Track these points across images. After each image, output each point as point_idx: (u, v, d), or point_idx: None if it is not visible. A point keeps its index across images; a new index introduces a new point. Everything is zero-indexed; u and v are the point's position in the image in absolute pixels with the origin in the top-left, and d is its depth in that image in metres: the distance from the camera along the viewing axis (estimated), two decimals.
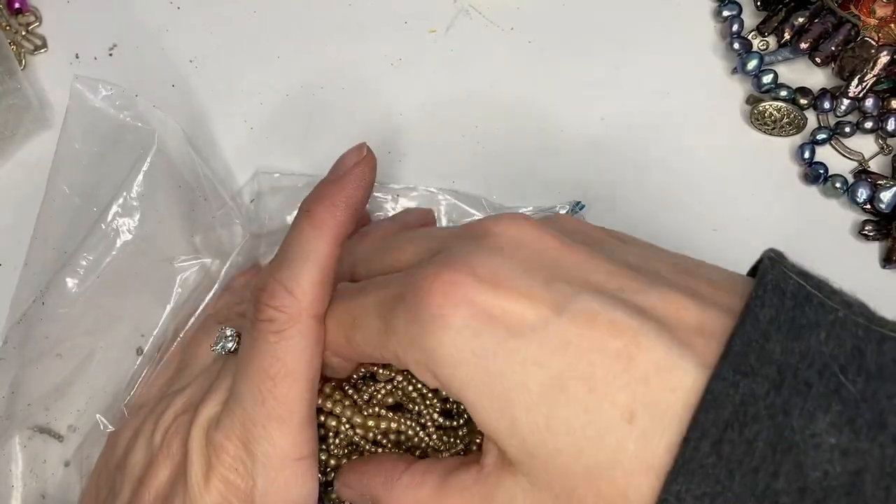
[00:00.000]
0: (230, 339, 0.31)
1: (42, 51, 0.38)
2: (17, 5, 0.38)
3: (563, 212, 0.36)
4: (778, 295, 0.21)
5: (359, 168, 0.29)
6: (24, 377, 0.33)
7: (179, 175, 0.34)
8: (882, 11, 0.36)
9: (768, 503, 0.19)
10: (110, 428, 0.32)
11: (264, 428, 0.27)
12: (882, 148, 0.37)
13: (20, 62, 0.38)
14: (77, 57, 0.38)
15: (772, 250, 0.23)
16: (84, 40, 0.38)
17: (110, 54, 0.38)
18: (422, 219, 0.35)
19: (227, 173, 0.37)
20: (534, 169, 0.37)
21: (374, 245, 0.29)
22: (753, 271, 0.24)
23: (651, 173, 0.37)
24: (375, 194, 0.36)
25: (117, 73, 0.38)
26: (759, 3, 0.38)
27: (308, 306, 0.27)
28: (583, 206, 0.36)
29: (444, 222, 0.36)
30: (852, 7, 0.36)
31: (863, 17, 0.36)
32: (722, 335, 0.21)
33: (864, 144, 0.37)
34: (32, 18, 0.38)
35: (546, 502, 0.22)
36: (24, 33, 0.38)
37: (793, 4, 0.37)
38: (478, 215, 0.36)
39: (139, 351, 0.34)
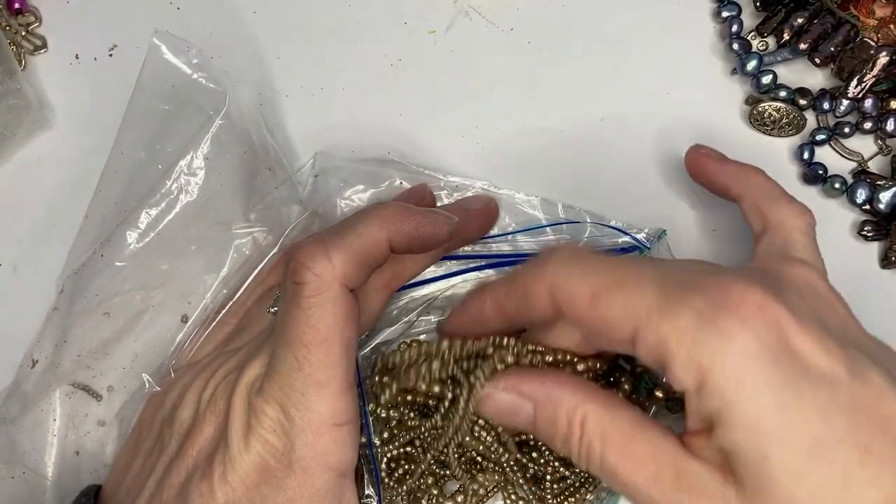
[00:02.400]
0: None
1: (42, 51, 0.38)
2: (17, 6, 0.38)
3: (640, 236, 0.35)
4: None
5: (471, 214, 0.34)
6: (72, 331, 0.33)
7: (247, 141, 0.34)
8: (881, 12, 0.36)
9: None
10: (156, 388, 0.32)
11: (302, 394, 0.27)
12: (881, 148, 0.37)
13: (20, 62, 0.38)
14: (77, 57, 0.38)
15: None
16: (84, 40, 0.38)
17: (110, 54, 0.38)
18: (485, 204, 0.35)
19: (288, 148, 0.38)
20: (533, 167, 0.37)
21: None
22: None
23: (650, 174, 0.37)
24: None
25: (117, 73, 0.38)
26: (758, 4, 0.38)
27: (341, 276, 0.27)
28: (665, 233, 0.35)
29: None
30: (851, 8, 0.36)
31: (862, 18, 0.36)
32: None
33: (864, 145, 0.37)
34: (32, 19, 0.38)
35: None
36: (24, 34, 0.38)
37: (792, 5, 0.37)
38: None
39: (184, 318, 0.33)
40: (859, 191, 0.36)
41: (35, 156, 0.37)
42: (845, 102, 0.36)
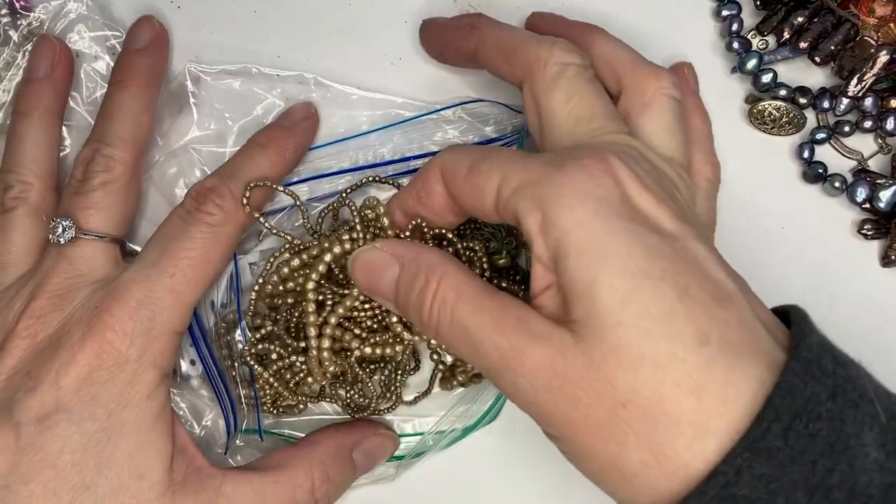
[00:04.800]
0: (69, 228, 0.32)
1: None
2: (17, 5, 0.38)
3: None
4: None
5: (307, 123, 0.37)
6: None
7: None
8: (881, 11, 0.36)
9: (820, 495, 0.21)
10: None
11: (161, 299, 0.30)
12: (881, 147, 0.37)
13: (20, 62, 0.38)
14: (76, 56, 0.38)
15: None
16: (84, 41, 0.38)
17: (112, 54, 0.38)
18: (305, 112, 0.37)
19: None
20: None
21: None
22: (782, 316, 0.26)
23: None
24: None
25: None
26: (758, 3, 0.38)
27: (241, 216, 0.33)
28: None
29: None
30: (852, 6, 0.36)
31: (862, 17, 0.36)
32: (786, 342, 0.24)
33: (864, 143, 0.37)
34: (33, 19, 0.38)
35: (576, 367, 0.23)
36: (24, 33, 0.38)
37: (792, 4, 0.37)
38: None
39: None
40: (859, 189, 0.36)
41: None
42: (845, 101, 0.36)
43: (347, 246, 0.32)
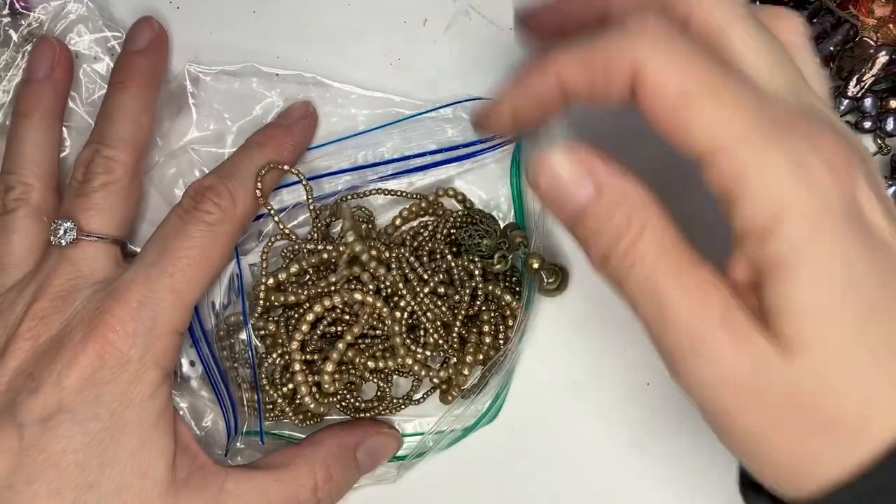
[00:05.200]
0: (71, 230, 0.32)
1: None
2: (18, 5, 0.38)
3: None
4: None
5: (306, 121, 0.37)
6: None
7: None
8: (881, 11, 0.36)
9: None
10: None
11: (162, 299, 0.30)
12: (881, 148, 0.37)
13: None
14: (76, 57, 0.38)
15: None
16: (84, 42, 0.38)
17: (111, 54, 0.38)
18: (305, 110, 0.37)
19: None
20: None
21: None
22: None
23: (650, 175, 0.37)
24: None
25: None
26: (757, 4, 0.38)
27: (240, 214, 0.33)
28: None
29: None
30: (851, 7, 0.36)
31: (861, 17, 0.36)
32: None
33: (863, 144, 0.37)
34: (32, 20, 0.38)
35: (775, 383, 0.21)
36: (24, 34, 0.38)
37: (791, 4, 0.37)
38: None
39: None
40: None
41: None
42: (844, 102, 0.36)
43: (327, 303, 0.33)
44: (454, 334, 0.34)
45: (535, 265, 0.33)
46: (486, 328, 0.34)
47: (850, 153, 0.22)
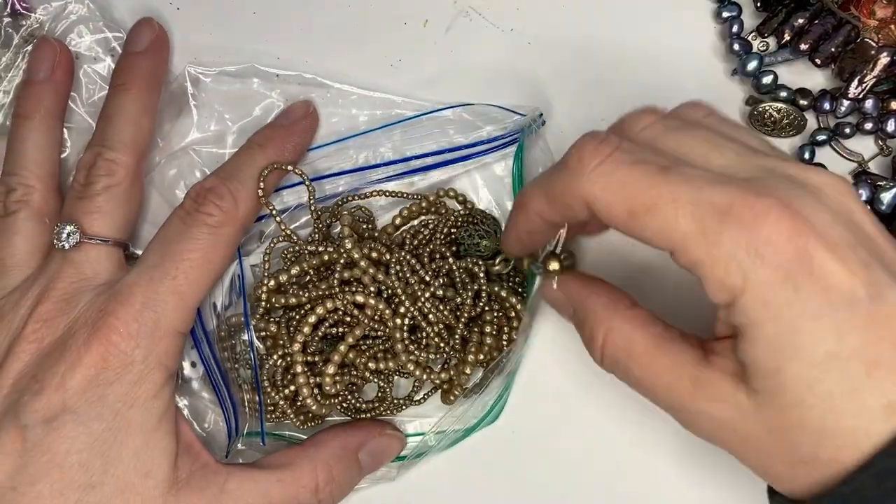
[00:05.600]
0: (74, 233, 0.32)
1: None
2: (17, 6, 0.38)
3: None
4: None
5: (306, 121, 0.37)
6: None
7: None
8: (882, 13, 0.36)
9: None
10: None
11: (164, 301, 0.30)
12: (882, 149, 0.37)
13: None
14: (76, 58, 0.38)
15: None
16: (84, 42, 0.38)
17: (112, 55, 0.38)
18: (304, 110, 0.37)
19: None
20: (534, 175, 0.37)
21: (673, 126, 0.27)
22: None
23: None
24: None
25: None
26: (758, 5, 0.38)
27: (241, 216, 0.33)
28: (544, 122, 0.37)
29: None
30: (852, 8, 0.36)
31: (863, 19, 0.36)
32: None
33: (864, 146, 0.37)
34: (33, 19, 0.38)
35: (755, 427, 0.24)
36: (25, 35, 0.38)
37: (793, 6, 0.37)
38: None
39: None
40: (860, 191, 0.36)
41: None
42: (846, 103, 0.36)
43: (329, 305, 0.33)
44: (456, 335, 0.34)
45: (554, 267, 0.31)
46: (488, 328, 0.34)
47: (793, 219, 0.23)
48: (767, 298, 0.23)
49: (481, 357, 0.34)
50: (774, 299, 0.23)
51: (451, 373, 0.34)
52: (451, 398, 0.35)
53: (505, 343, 0.34)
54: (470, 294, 0.34)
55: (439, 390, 0.35)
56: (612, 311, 0.28)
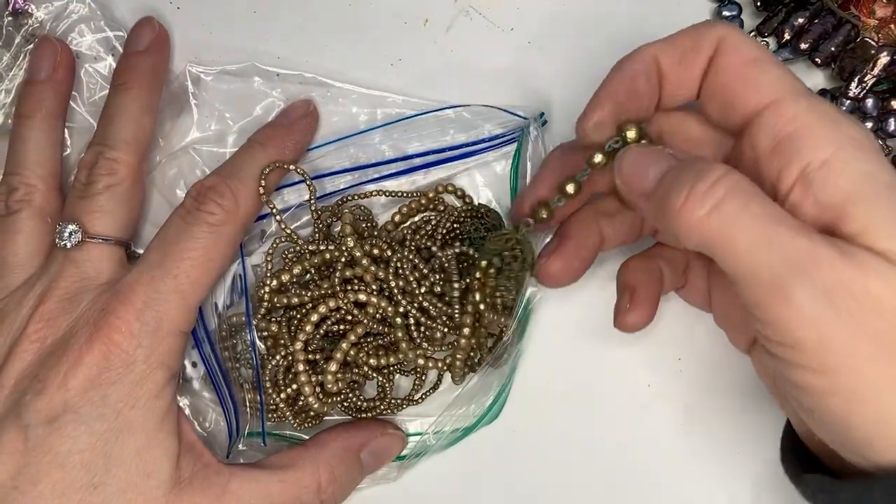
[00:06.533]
0: (76, 232, 0.32)
1: None
2: (17, 5, 0.38)
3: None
4: None
5: (307, 120, 0.37)
6: None
7: None
8: (882, 12, 0.36)
9: None
10: None
11: (166, 300, 0.30)
12: (882, 148, 0.37)
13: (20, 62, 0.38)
14: (77, 57, 0.38)
15: None
16: (85, 41, 0.38)
17: (113, 54, 0.38)
18: (304, 109, 0.37)
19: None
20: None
21: None
22: None
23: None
24: None
25: None
26: (758, 4, 0.38)
27: (242, 214, 0.33)
28: (546, 122, 0.37)
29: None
30: (852, 8, 0.36)
31: (863, 18, 0.36)
32: None
33: None
34: (33, 19, 0.38)
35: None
36: (26, 35, 0.38)
37: (792, 5, 0.37)
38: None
39: None
40: None
41: None
42: (846, 103, 0.36)
43: (332, 304, 0.33)
44: (456, 308, 0.34)
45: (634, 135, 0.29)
46: (479, 296, 0.33)
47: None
48: (877, 157, 0.24)
49: (484, 330, 0.34)
50: (882, 161, 0.24)
51: (458, 352, 0.34)
52: (458, 374, 0.34)
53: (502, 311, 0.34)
54: (460, 284, 0.34)
55: (437, 385, 0.35)
56: (726, 167, 0.24)
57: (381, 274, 0.34)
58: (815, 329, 0.22)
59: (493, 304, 0.33)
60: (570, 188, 0.30)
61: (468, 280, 0.34)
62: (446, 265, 0.34)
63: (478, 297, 0.33)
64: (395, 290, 0.34)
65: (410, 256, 0.34)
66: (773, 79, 0.26)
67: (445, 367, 0.35)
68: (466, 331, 0.34)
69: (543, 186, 0.32)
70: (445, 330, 0.34)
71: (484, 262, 0.33)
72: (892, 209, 0.23)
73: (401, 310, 0.33)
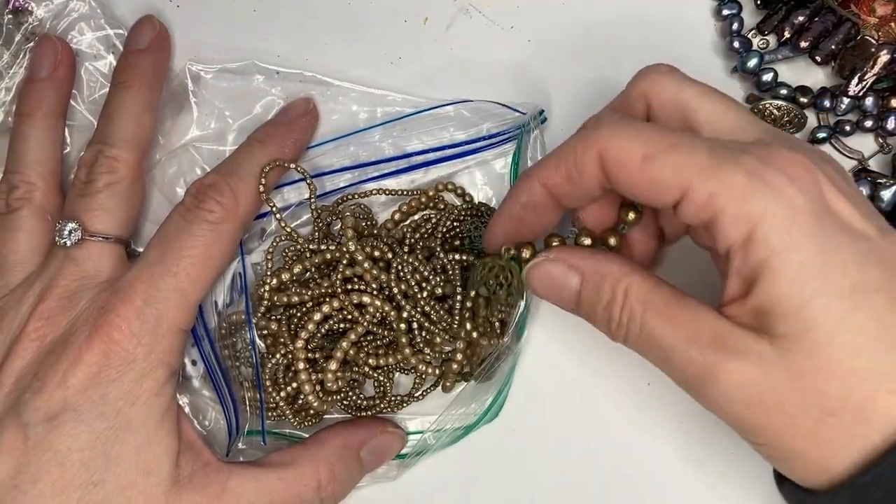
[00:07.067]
0: (76, 230, 0.32)
1: None
2: (17, 3, 0.38)
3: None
4: None
5: (306, 118, 0.37)
6: None
7: None
8: (882, 10, 0.36)
9: None
10: None
11: (166, 298, 0.30)
12: (882, 147, 0.37)
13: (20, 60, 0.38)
14: (78, 55, 0.38)
15: None
16: (86, 40, 0.39)
17: (113, 52, 0.38)
18: (304, 107, 0.37)
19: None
20: None
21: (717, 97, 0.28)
22: None
23: None
24: None
25: None
26: (758, 2, 0.38)
27: (242, 212, 0.33)
28: (545, 119, 0.37)
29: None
30: (852, 5, 0.36)
31: (863, 16, 0.36)
32: None
33: (864, 143, 0.37)
34: (33, 17, 0.38)
35: (779, 380, 0.23)
36: (26, 33, 0.38)
37: (793, 3, 0.37)
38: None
39: None
40: (860, 189, 0.36)
41: None
42: (846, 101, 0.36)
43: (335, 304, 0.33)
44: (456, 310, 0.34)
45: (555, 243, 0.30)
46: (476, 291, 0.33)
47: (806, 158, 0.24)
48: (789, 226, 0.22)
49: (481, 331, 0.33)
50: (797, 227, 0.22)
51: (458, 356, 0.34)
52: (448, 384, 0.34)
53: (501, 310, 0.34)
54: (464, 296, 0.34)
55: (439, 382, 0.35)
56: (630, 268, 0.27)
57: (382, 277, 0.33)
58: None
59: (485, 331, 0.33)
60: (555, 241, 0.30)
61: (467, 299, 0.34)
62: (448, 268, 0.34)
63: (469, 326, 0.33)
64: (398, 295, 0.34)
65: (411, 259, 0.34)
66: (672, 170, 0.24)
67: (438, 378, 0.35)
68: (459, 356, 0.34)
69: (508, 219, 0.31)
70: (446, 336, 0.34)
71: (473, 293, 0.32)
72: (799, 290, 0.23)
73: (404, 314, 0.33)
